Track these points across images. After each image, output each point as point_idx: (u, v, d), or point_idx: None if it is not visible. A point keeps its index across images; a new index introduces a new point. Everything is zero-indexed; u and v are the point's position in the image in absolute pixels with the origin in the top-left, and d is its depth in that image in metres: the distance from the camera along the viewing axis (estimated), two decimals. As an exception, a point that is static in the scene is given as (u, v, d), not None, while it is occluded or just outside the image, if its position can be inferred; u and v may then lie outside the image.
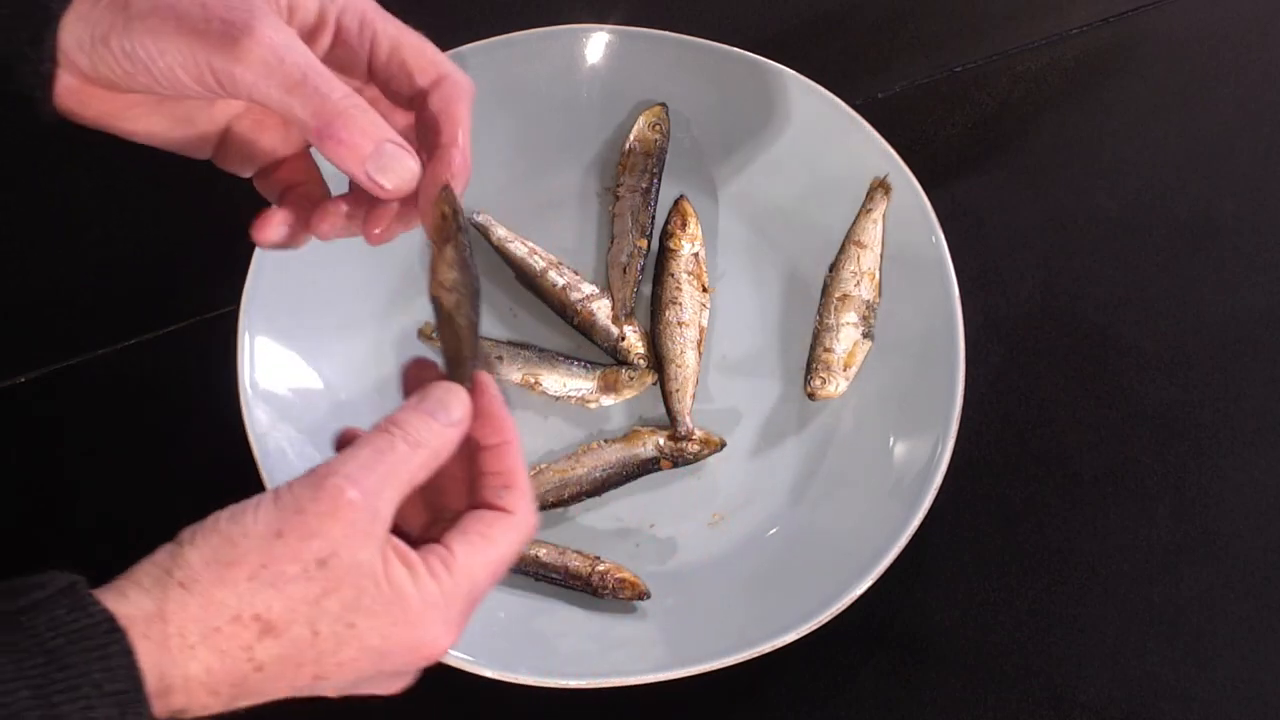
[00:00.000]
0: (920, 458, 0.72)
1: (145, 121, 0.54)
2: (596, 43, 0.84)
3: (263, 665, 0.44)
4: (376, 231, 0.54)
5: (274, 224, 0.55)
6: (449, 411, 0.49)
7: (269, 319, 0.74)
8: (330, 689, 0.47)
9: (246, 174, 0.58)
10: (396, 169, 0.49)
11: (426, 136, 0.53)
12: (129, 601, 0.43)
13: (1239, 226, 0.86)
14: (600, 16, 0.85)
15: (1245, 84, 0.92)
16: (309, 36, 0.51)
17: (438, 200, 0.51)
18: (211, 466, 0.73)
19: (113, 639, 0.42)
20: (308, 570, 0.44)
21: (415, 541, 0.48)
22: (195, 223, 0.85)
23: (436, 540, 0.49)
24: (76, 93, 0.51)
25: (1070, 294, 0.83)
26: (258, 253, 0.75)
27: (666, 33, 0.83)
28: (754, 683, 0.70)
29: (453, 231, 0.51)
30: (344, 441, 0.50)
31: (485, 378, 0.52)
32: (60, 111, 0.52)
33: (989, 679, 0.72)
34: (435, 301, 0.51)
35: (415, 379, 0.52)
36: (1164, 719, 0.71)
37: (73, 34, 0.49)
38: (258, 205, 0.76)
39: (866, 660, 0.72)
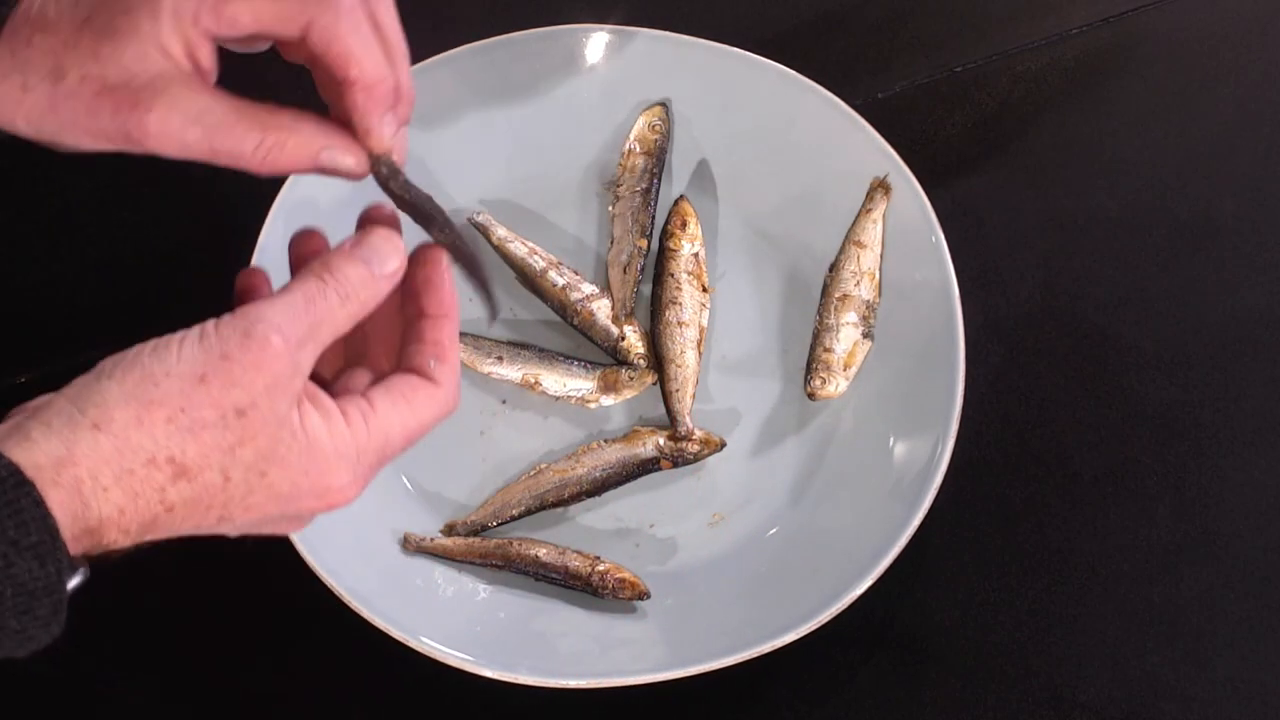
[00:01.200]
0: (920, 458, 0.72)
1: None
2: (596, 43, 0.84)
3: (173, 506, 0.44)
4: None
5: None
6: (385, 262, 0.49)
7: (269, 319, 0.74)
8: (232, 529, 0.47)
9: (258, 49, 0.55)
10: (342, 162, 0.50)
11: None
12: (36, 447, 0.43)
13: (1239, 226, 0.86)
14: (600, 16, 0.85)
15: (1245, 84, 0.92)
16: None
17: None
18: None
19: (22, 491, 0.41)
20: (226, 418, 0.44)
21: (330, 387, 0.49)
22: (195, 223, 0.85)
23: (358, 393, 0.49)
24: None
25: (1070, 294, 0.83)
26: (258, 253, 0.75)
27: (666, 33, 0.83)
28: (754, 683, 0.70)
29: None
30: (297, 250, 0.52)
31: (437, 250, 0.52)
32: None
33: (989, 679, 0.72)
34: (376, 174, 0.51)
35: (302, 250, 0.53)
36: (1164, 719, 0.71)
37: None
38: (258, 205, 0.76)
39: (866, 660, 0.72)
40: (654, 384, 0.79)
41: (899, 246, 0.79)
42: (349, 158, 0.50)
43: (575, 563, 0.72)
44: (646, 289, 0.82)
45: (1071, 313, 0.83)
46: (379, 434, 0.48)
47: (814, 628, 0.67)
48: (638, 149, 0.83)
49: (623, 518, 0.76)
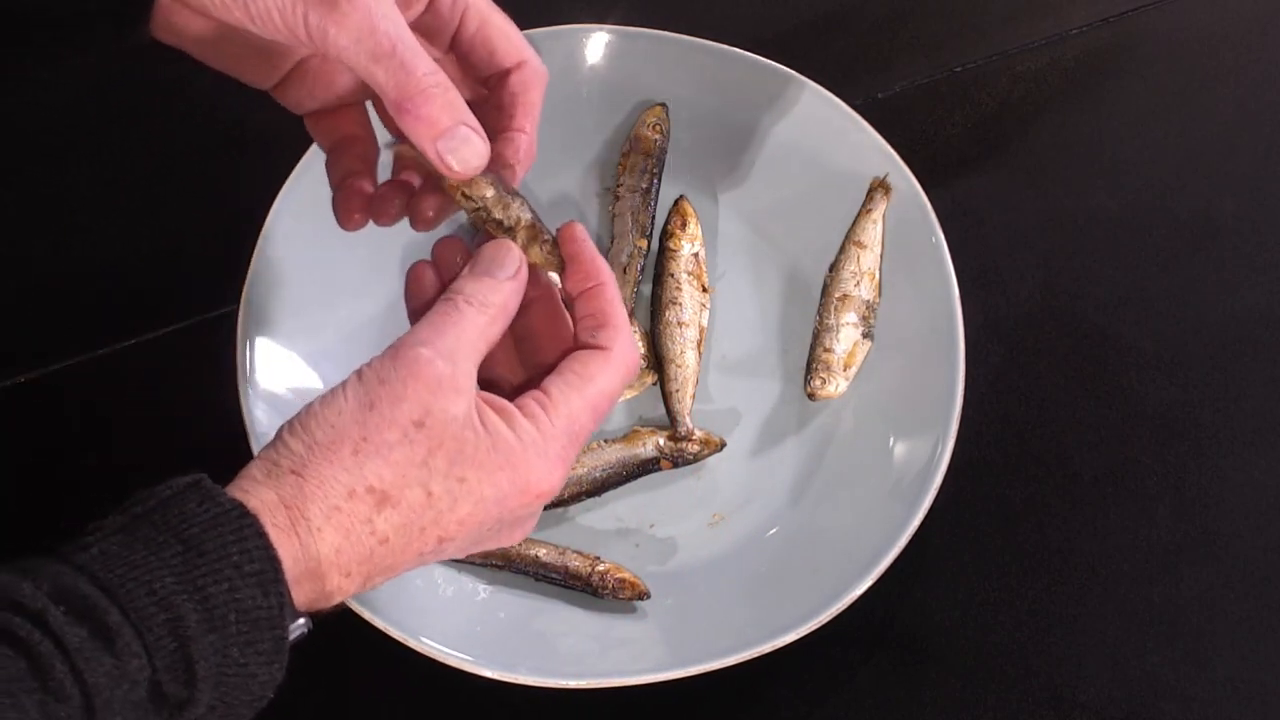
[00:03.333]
0: (920, 458, 0.72)
1: (221, 45, 0.54)
2: (596, 43, 0.84)
3: (386, 537, 0.46)
4: (430, 214, 0.56)
5: (356, 215, 0.57)
6: (503, 267, 0.51)
7: (269, 319, 0.74)
8: (455, 549, 0.48)
9: (300, 111, 0.58)
10: (466, 152, 0.51)
11: (496, 118, 0.55)
12: (251, 494, 0.44)
13: (1239, 226, 0.86)
14: (600, 16, 0.85)
15: (1245, 84, 0.92)
16: (405, 1, 0.52)
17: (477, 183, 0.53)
18: (211, 466, 0.73)
19: (245, 523, 0.43)
20: (407, 434, 0.46)
21: (513, 395, 0.50)
22: (195, 223, 0.85)
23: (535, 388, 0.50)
24: (164, 11, 0.51)
25: (1070, 294, 0.83)
26: (258, 253, 0.75)
27: (666, 33, 0.83)
28: (754, 683, 0.70)
29: (481, 221, 0.53)
30: (414, 300, 0.53)
31: (574, 226, 0.53)
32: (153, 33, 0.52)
33: (989, 679, 0.72)
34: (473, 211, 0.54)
35: (445, 259, 0.54)
36: (1164, 719, 0.71)
37: None
38: (258, 205, 0.76)
39: (866, 660, 0.72)
40: (654, 384, 0.79)
41: (899, 246, 0.79)
42: (481, 144, 0.51)
43: (575, 563, 0.72)
44: (646, 289, 0.82)
45: (1071, 313, 0.83)
46: (561, 417, 0.49)
47: (814, 628, 0.67)
48: (638, 149, 0.83)
49: (623, 518, 0.76)
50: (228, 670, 0.42)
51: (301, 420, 0.47)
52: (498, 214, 0.53)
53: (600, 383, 0.50)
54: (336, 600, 0.46)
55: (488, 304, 0.50)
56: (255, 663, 0.43)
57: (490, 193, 0.53)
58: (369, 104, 0.60)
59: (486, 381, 0.53)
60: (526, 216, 0.54)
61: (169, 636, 0.41)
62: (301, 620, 0.45)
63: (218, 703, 0.43)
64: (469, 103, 0.54)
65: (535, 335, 0.54)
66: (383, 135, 0.60)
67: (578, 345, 0.52)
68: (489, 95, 0.56)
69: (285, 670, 0.44)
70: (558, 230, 0.54)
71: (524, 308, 0.53)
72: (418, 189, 0.57)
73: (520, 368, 0.54)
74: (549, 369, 0.52)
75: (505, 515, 0.49)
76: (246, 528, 0.43)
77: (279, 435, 0.47)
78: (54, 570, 0.41)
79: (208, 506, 0.43)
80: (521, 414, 0.49)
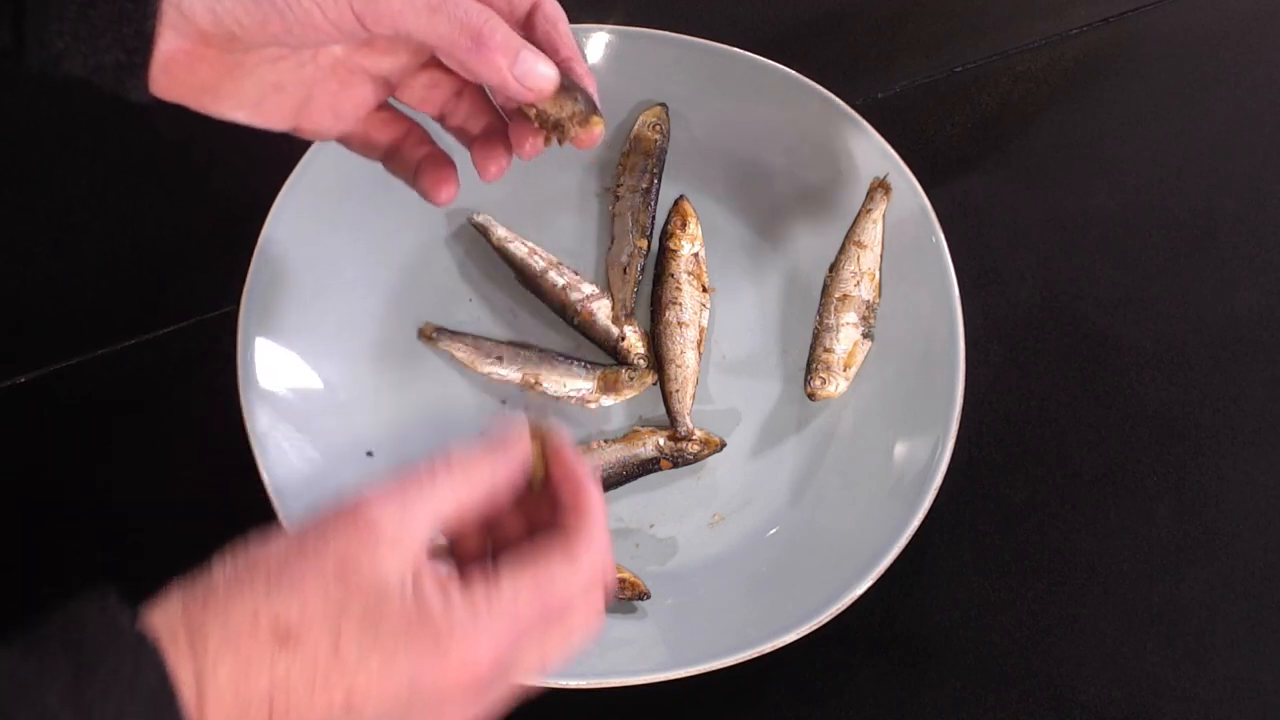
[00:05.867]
0: (920, 458, 0.72)
1: (239, 90, 0.53)
2: (596, 43, 0.83)
3: (287, 678, 0.43)
4: (526, 146, 0.59)
5: (449, 186, 0.60)
6: (508, 449, 0.49)
7: (269, 319, 0.74)
8: (373, 716, 0.45)
9: (331, 136, 0.59)
10: (539, 70, 0.53)
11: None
12: (154, 616, 0.43)
13: (1239, 226, 0.86)
14: (600, 16, 0.85)
15: (1245, 84, 0.92)
16: None
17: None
18: (211, 466, 0.73)
19: (144, 646, 0.41)
20: (324, 576, 0.44)
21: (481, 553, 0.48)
22: (195, 223, 0.85)
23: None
24: (185, 57, 0.50)
25: (1070, 294, 0.83)
26: (258, 253, 0.75)
27: (666, 33, 0.83)
28: (754, 683, 0.70)
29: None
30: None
31: (560, 443, 0.51)
32: (151, 89, 0.51)
33: (989, 679, 0.72)
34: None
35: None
36: (1164, 719, 0.71)
37: None
38: (258, 205, 0.76)
39: (866, 660, 0.72)
40: (654, 384, 0.79)
41: (899, 246, 0.79)
42: (546, 64, 0.53)
43: (575, 563, 0.72)
44: (646, 289, 0.82)
45: (1071, 313, 0.83)
46: (503, 599, 0.45)
47: (814, 628, 0.67)
48: (638, 149, 0.83)
49: (623, 518, 0.76)
50: None
51: (230, 552, 0.45)
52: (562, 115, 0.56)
53: (555, 573, 0.47)
54: None
55: (469, 477, 0.47)
56: None
57: (565, 109, 0.56)
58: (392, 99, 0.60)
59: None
60: (579, 108, 0.57)
61: None
62: None
63: None
64: None
65: (508, 525, 0.51)
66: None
67: (557, 526, 0.49)
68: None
69: None
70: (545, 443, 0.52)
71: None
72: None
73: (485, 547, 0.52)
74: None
75: (426, 694, 0.45)
76: (145, 650, 0.41)
77: (208, 563, 0.45)
78: None
79: (107, 625, 0.41)
80: (460, 591, 0.45)
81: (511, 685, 0.48)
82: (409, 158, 0.60)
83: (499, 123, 0.60)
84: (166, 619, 0.43)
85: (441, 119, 0.61)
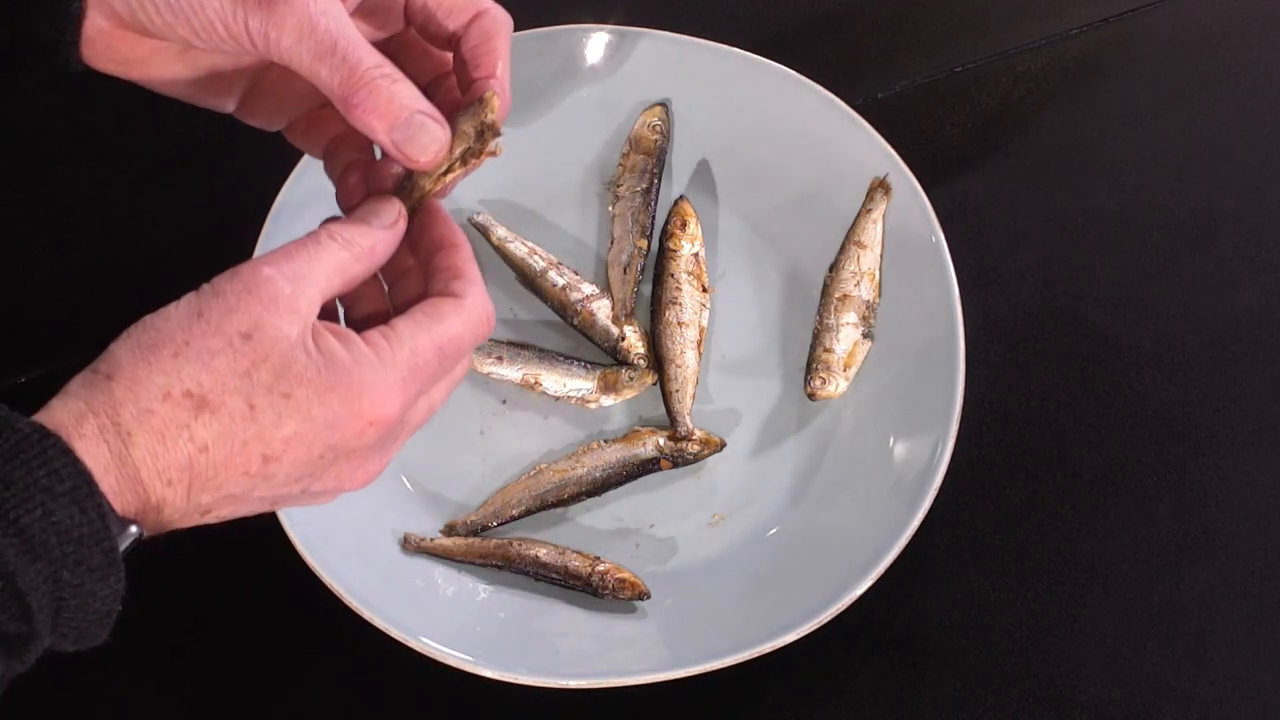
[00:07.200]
0: (920, 458, 0.72)
1: (169, 69, 0.53)
2: (596, 43, 0.84)
3: (206, 445, 0.44)
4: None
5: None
6: (380, 215, 0.50)
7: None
8: (286, 475, 0.46)
9: (273, 128, 0.58)
10: (423, 140, 0.50)
11: (464, 73, 0.53)
12: (55, 409, 0.43)
13: (1239, 226, 0.86)
14: (600, 16, 0.85)
15: (1245, 84, 0.92)
16: None
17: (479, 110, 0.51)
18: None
19: (48, 444, 0.41)
20: (232, 343, 0.44)
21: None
22: (195, 223, 0.85)
23: None
24: (105, 36, 0.50)
25: (1070, 294, 0.83)
26: (258, 253, 0.75)
27: (666, 33, 0.83)
28: (754, 683, 0.70)
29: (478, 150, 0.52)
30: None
31: (434, 202, 0.52)
32: (84, 60, 0.51)
33: (989, 679, 0.72)
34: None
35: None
36: (1164, 719, 0.71)
37: None
38: (258, 205, 0.76)
39: (866, 660, 0.72)
40: (654, 384, 0.79)
41: (899, 246, 0.79)
42: (439, 130, 0.50)
43: (575, 563, 0.72)
44: (646, 289, 0.82)
45: (1071, 313, 0.83)
46: (402, 348, 0.47)
47: (814, 628, 0.67)
48: (638, 149, 0.83)
49: (623, 518, 0.76)
50: (64, 594, 0.41)
51: (130, 329, 0.45)
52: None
53: (448, 325, 0.49)
54: (168, 514, 0.45)
55: (352, 243, 0.48)
56: (90, 580, 0.42)
57: (458, 170, 0.52)
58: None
59: (350, 321, 0.52)
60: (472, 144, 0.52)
61: None
62: (133, 529, 0.43)
63: (65, 628, 0.42)
64: (437, 78, 0.54)
65: (407, 299, 0.52)
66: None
67: (431, 293, 0.51)
68: (454, 53, 0.55)
69: (126, 581, 0.43)
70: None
71: (402, 274, 0.53)
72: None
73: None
74: None
75: (338, 442, 0.46)
76: (50, 448, 0.41)
77: (108, 346, 0.45)
78: None
79: (7, 435, 0.41)
80: (363, 341, 0.47)
81: (407, 436, 0.50)
82: (342, 160, 0.57)
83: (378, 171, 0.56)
84: (73, 407, 0.43)
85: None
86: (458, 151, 0.51)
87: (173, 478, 0.44)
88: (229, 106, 0.56)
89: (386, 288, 0.54)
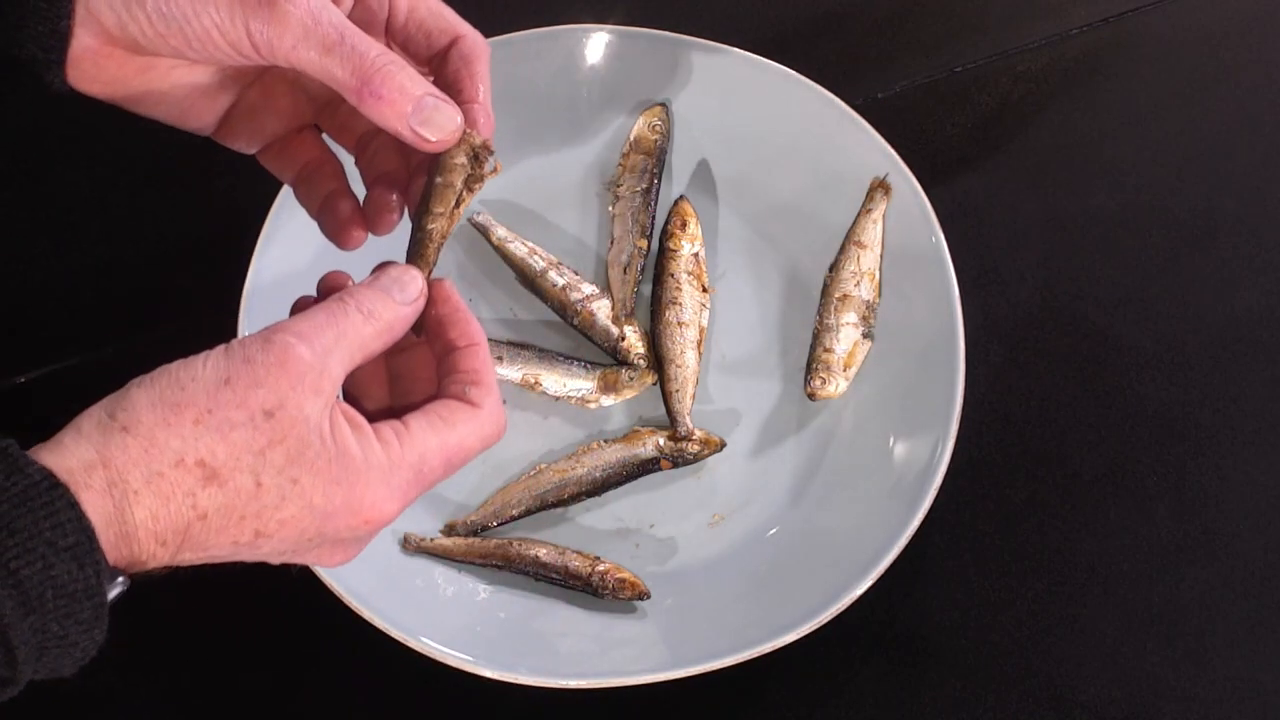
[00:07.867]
0: (920, 458, 0.72)
1: (154, 88, 0.53)
2: (596, 43, 0.84)
3: (206, 514, 0.44)
4: (381, 224, 0.55)
5: (355, 231, 0.56)
6: (404, 289, 0.50)
7: (268, 320, 0.74)
8: (270, 549, 0.47)
9: (251, 150, 0.58)
10: (439, 120, 0.50)
11: (447, 95, 0.53)
12: (67, 452, 0.43)
13: (1239, 226, 0.86)
14: (600, 16, 0.85)
15: (1245, 84, 0.92)
16: None
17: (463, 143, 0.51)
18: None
19: (56, 494, 0.41)
20: (254, 419, 0.44)
21: (373, 419, 0.49)
22: (195, 223, 0.85)
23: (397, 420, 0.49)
24: (92, 55, 0.50)
25: (1070, 294, 0.83)
26: (258, 253, 0.75)
27: (666, 33, 0.83)
28: (754, 683, 0.70)
29: (475, 180, 0.52)
30: (300, 308, 0.51)
31: (444, 284, 0.52)
32: (69, 81, 0.51)
33: (989, 679, 0.72)
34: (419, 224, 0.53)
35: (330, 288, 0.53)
36: (1164, 719, 0.71)
37: None
38: (258, 205, 0.76)
39: (866, 660, 0.72)
40: (654, 384, 0.79)
41: (899, 246, 0.79)
42: (451, 110, 0.50)
43: (575, 563, 0.72)
44: (646, 289, 0.82)
45: (1071, 313, 0.83)
46: (413, 451, 0.48)
47: (814, 628, 0.67)
48: (638, 149, 0.83)
49: (623, 518, 0.76)
50: (48, 644, 0.41)
51: (153, 376, 0.45)
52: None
53: (460, 434, 0.49)
54: (150, 565, 0.45)
55: (376, 316, 0.48)
56: (75, 632, 0.42)
57: (463, 159, 0.52)
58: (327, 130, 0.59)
59: (353, 403, 0.52)
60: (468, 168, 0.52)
61: None
62: (120, 579, 0.44)
63: (40, 669, 0.42)
64: None
65: (411, 378, 0.53)
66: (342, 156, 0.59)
67: (447, 394, 0.51)
68: (435, 77, 0.55)
69: (107, 630, 0.43)
70: (437, 285, 0.53)
71: (407, 349, 0.52)
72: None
73: (388, 396, 0.53)
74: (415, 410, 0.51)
75: (329, 530, 0.47)
76: (58, 499, 0.41)
77: (128, 386, 0.45)
78: None
79: (15, 479, 0.41)
80: (375, 436, 0.47)
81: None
82: (318, 189, 0.57)
83: (402, 171, 0.56)
84: (80, 458, 0.43)
85: (358, 153, 0.58)
86: (459, 181, 0.52)
87: (167, 539, 0.44)
88: (209, 129, 0.56)
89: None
